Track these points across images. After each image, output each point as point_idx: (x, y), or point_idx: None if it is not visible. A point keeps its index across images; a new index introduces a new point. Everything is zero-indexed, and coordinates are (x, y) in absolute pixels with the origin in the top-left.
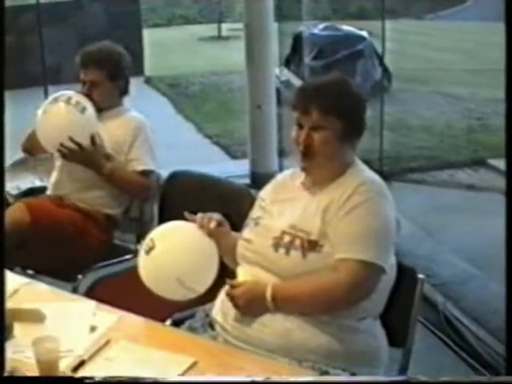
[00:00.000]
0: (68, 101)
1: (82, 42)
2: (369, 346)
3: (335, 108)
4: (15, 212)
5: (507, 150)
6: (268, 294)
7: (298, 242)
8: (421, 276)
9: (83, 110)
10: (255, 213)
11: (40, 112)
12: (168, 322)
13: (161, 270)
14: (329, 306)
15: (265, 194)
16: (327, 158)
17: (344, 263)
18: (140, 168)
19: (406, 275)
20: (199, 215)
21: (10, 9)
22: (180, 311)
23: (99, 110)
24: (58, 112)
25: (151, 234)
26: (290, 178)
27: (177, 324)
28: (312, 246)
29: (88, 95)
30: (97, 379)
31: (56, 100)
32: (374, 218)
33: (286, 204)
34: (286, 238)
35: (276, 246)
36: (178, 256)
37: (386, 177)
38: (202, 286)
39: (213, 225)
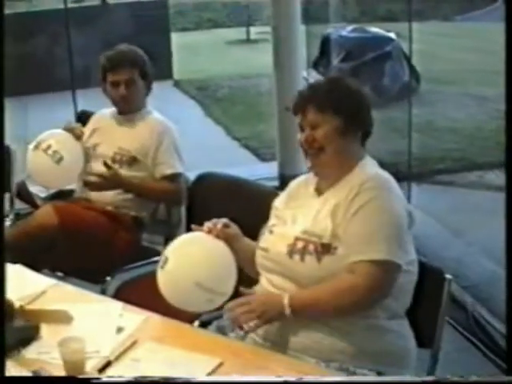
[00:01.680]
0: (46, 150)
1: (110, 46)
2: (397, 346)
3: (329, 104)
4: (43, 215)
5: (507, 150)
6: (285, 302)
7: (311, 247)
8: (449, 276)
9: (59, 160)
10: (270, 221)
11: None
12: (196, 324)
13: (177, 280)
14: (348, 311)
15: (279, 202)
16: (332, 155)
17: (358, 265)
18: (168, 172)
19: (434, 276)
20: (206, 223)
21: (38, 13)
22: (208, 313)
23: (125, 112)
24: (34, 161)
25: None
26: (303, 184)
27: (205, 325)
28: (326, 249)
29: (123, 96)
30: (103, 379)
31: (36, 147)
32: (382, 215)
33: (299, 210)
34: (300, 244)
35: (290, 252)
36: (191, 262)
37: (415, 179)
38: (223, 285)
39: (219, 226)
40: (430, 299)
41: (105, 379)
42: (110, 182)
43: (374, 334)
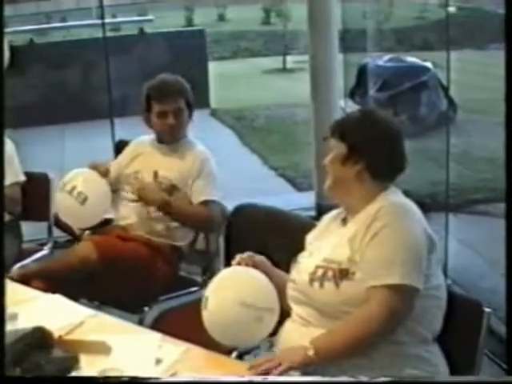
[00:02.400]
0: (71, 191)
1: (147, 75)
2: (425, 373)
3: (337, 129)
4: (83, 250)
5: (507, 151)
6: (310, 351)
7: (330, 274)
8: (488, 310)
9: (84, 200)
10: (301, 254)
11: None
12: (234, 355)
13: (222, 310)
14: (368, 341)
15: (311, 235)
16: (332, 181)
17: (374, 291)
18: (201, 198)
19: (472, 308)
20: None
21: (75, 42)
22: None
23: (169, 142)
24: (60, 203)
25: None
26: (333, 217)
27: (242, 355)
28: (344, 274)
29: (171, 126)
30: (101, 380)
31: (62, 188)
32: (396, 240)
33: (324, 241)
34: (319, 272)
35: (311, 280)
36: (229, 288)
37: (452, 209)
38: (267, 300)
39: (246, 255)
40: (468, 331)
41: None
42: (151, 197)
43: (400, 361)
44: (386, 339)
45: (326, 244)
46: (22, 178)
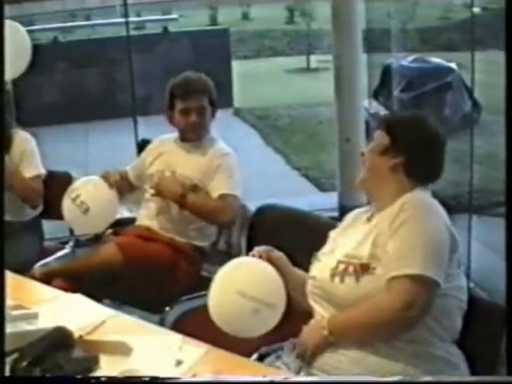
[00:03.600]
0: (75, 199)
1: (171, 74)
2: (444, 373)
3: (387, 122)
4: (107, 252)
5: (507, 150)
6: (324, 324)
7: (351, 269)
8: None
9: (86, 211)
10: (321, 250)
11: None
12: (254, 357)
13: (221, 295)
14: (387, 330)
15: (334, 232)
16: (371, 171)
17: (394, 282)
18: (219, 192)
19: (494, 311)
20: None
21: (99, 41)
22: (267, 345)
23: (192, 140)
24: (65, 209)
25: None
26: (358, 215)
27: (263, 357)
28: (364, 269)
29: (194, 123)
30: (102, 379)
31: (68, 194)
32: (419, 232)
33: (347, 237)
34: (341, 267)
35: (332, 276)
36: (232, 275)
37: (475, 211)
38: (267, 294)
39: (264, 248)
40: (489, 334)
41: (103, 379)
42: (167, 189)
43: (422, 362)
44: (407, 336)
45: (349, 240)
46: (43, 171)
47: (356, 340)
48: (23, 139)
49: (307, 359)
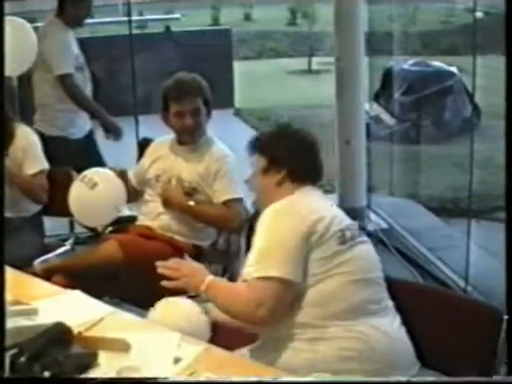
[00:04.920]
0: (82, 179)
1: (172, 73)
2: (339, 350)
3: (258, 146)
4: (107, 249)
5: (507, 154)
6: (206, 281)
7: None
8: (506, 317)
9: (94, 185)
10: None
11: None
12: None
13: None
14: (240, 319)
15: None
16: (261, 192)
17: (248, 283)
18: (223, 198)
19: (491, 315)
20: None
21: (100, 39)
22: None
23: (188, 142)
24: (72, 191)
25: None
26: None
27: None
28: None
29: (189, 126)
30: (99, 380)
31: (75, 181)
32: (265, 238)
33: None
34: None
35: None
36: None
37: (475, 215)
38: None
39: None
40: (486, 337)
41: (100, 379)
42: (174, 202)
43: (307, 345)
44: (297, 323)
45: None
46: (46, 165)
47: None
48: (25, 134)
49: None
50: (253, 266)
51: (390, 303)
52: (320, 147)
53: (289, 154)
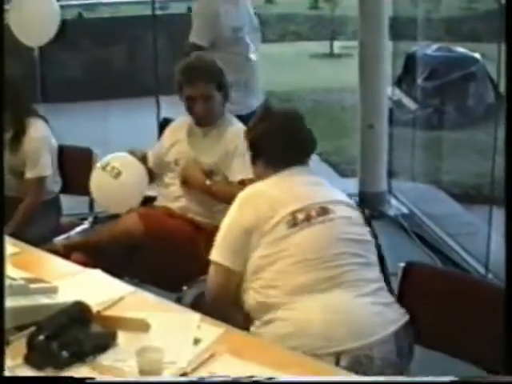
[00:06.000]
0: (104, 167)
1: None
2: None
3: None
4: (128, 221)
5: (507, 149)
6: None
7: None
8: None
9: (117, 175)
10: None
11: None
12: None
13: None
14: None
15: None
16: (257, 179)
17: None
18: (239, 177)
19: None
20: None
21: (123, 19)
22: None
23: (203, 125)
24: (94, 179)
25: None
26: None
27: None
28: None
29: (200, 111)
30: (98, 380)
31: (96, 168)
32: (223, 223)
33: None
34: None
35: None
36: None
37: (497, 202)
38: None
39: None
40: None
41: (99, 379)
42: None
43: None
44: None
45: None
46: (48, 172)
47: None
48: (33, 137)
49: None
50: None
51: (354, 275)
52: (303, 124)
53: (261, 140)
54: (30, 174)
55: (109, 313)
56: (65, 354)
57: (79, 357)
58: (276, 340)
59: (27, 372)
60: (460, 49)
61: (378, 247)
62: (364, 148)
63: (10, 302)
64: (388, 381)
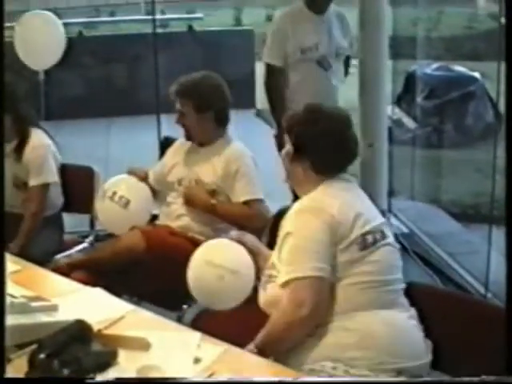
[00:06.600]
0: (112, 197)
1: (193, 72)
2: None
3: (286, 128)
4: (131, 238)
5: (507, 149)
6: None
7: (264, 279)
8: None
9: (126, 204)
10: None
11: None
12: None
13: (192, 268)
14: (289, 331)
15: None
16: (289, 176)
17: (285, 288)
18: (242, 199)
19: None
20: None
21: (124, 37)
22: None
23: (190, 140)
24: (102, 211)
25: None
26: None
27: None
28: (271, 277)
29: (183, 125)
30: (98, 380)
31: (103, 196)
32: (293, 238)
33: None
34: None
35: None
36: (202, 250)
37: (496, 221)
38: (232, 262)
39: (237, 232)
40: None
41: (98, 379)
42: (198, 202)
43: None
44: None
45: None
46: (51, 179)
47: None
48: (36, 145)
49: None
50: (286, 268)
51: (403, 299)
52: (352, 126)
53: (312, 144)
54: (34, 182)
55: (109, 331)
56: (66, 372)
57: (80, 375)
58: (334, 350)
59: None
60: (459, 68)
61: None
62: (364, 166)
63: (10, 320)
64: (393, 381)
